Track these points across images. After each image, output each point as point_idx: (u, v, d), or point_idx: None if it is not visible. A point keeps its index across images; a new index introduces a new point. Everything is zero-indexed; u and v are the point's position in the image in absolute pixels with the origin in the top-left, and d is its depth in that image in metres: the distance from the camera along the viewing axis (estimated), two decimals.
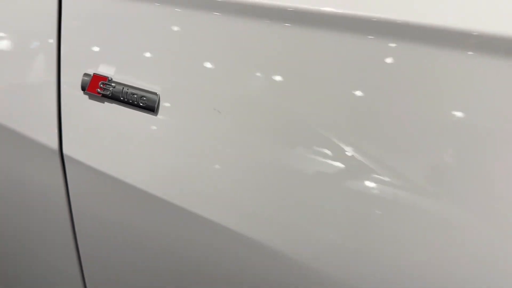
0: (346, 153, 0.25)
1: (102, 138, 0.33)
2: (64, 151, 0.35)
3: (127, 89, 0.31)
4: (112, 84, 0.31)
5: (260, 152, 0.27)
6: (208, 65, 0.28)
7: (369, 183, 0.25)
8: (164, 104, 0.30)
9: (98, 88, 0.32)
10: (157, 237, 0.34)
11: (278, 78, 0.26)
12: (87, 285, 0.44)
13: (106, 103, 0.32)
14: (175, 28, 0.29)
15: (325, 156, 0.26)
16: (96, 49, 0.32)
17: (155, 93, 0.30)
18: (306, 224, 0.27)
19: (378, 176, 0.25)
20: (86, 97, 0.33)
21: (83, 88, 0.32)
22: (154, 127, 0.30)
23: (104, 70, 0.32)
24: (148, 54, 0.30)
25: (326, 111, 0.25)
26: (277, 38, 0.26)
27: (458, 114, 0.23)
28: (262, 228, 0.28)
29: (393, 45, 0.24)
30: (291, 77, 0.26)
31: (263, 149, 0.27)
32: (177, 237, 0.32)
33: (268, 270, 0.29)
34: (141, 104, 0.30)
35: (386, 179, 0.25)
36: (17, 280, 0.53)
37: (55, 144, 0.34)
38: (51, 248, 0.43)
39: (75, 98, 0.33)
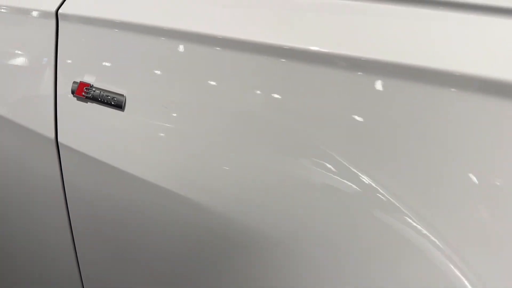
0: (253, 110, 0.36)
1: (87, 129, 0.44)
2: (59, 139, 0.46)
3: (103, 92, 0.42)
4: (93, 89, 0.43)
5: (185, 120, 0.39)
6: (158, 73, 0.40)
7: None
8: (129, 103, 0.42)
9: (83, 92, 0.43)
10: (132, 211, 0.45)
11: (214, 82, 0.38)
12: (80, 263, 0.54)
13: (88, 103, 0.44)
14: (136, 51, 0.41)
15: (229, 114, 0.37)
16: (82, 64, 0.44)
17: (122, 95, 0.41)
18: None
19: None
20: (75, 99, 0.44)
21: (72, 92, 0.44)
22: (121, 120, 0.42)
23: (88, 79, 0.44)
24: (117, 68, 0.42)
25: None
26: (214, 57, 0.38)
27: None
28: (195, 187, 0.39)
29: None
30: (228, 81, 0.38)
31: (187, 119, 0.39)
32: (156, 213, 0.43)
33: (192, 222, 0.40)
34: (112, 103, 0.42)
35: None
36: (13, 261, 0.64)
37: (52, 134, 0.46)
38: (46, 224, 0.54)
39: (67, 100, 0.45)
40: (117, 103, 0.42)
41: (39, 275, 0.62)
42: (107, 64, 0.42)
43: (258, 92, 0.35)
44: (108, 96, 0.42)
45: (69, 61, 0.45)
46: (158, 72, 0.40)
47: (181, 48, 0.38)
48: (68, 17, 0.45)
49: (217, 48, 0.37)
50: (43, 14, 0.47)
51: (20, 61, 0.49)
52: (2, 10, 0.51)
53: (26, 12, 0.49)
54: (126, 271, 0.49)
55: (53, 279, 0.60)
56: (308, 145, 0.34)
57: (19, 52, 0.49)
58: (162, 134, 0.40)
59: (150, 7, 0.41)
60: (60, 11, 0.46)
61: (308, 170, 0.34)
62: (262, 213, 0.36)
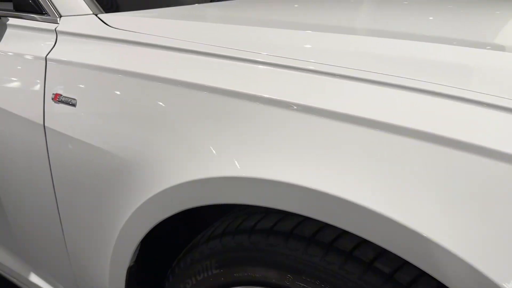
0: None
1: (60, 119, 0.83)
2: (46, 124, 0.85)
3: (66, 98, 0.81)
4: (62, 97, 0.81)
5: None
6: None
7: None
8: (80, 104, 0.80)
9: (56, 98, 0.82)
10: None
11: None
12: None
13: (60, 104, 0.82)
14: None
15: None
16: (58, 84, 0.83)
17: (74, 99, 0.80)
18: None
19: None
20: (53, 102, 0.83)
21: (52, 99, 0.83)
22: (76, 114, 0.80)
23: (60, 91, 0.82)
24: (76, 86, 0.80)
25: None
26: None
27: None
28: None
29: None
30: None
31: None
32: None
33: None
34: (71, 103, 0.80)
35: None
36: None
37: (41, 120, 0.85)
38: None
39: (50, 102, 0.83)
40: (72, 103, 0.80)
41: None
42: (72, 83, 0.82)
43: None
44: (68, 99, 0.80)
45: (52, 81, 0.84)
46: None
47: None
48: (54, 60, 0.84)
49: None
50: (36, 57, 0.86)
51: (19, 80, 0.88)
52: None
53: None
54: None
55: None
56: None
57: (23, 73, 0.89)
58: None
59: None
60: (48, 56, 0.85)
61: None
62: None
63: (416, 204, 0.48)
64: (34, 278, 1.10)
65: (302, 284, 0.60)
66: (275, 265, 0.62)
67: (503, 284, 0.43)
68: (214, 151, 0.62)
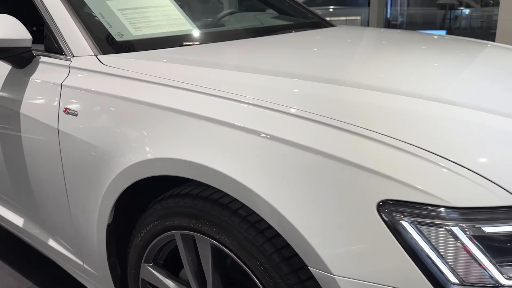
0: None
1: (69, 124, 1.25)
2: (59, 127, 1.27)
3: (72, 111, 1.23)
4: (70, 110, 1.24)
5: None
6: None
7: None
8: (80, 115, 1.22)
9: (66, 110, 1.25)
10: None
11: None
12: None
13: (68, 115, 1.25)
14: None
15: None
16: (67, 102, 1.26)
17: (76, 111, 1.22)
18: None
19: None
20: (64, 113, 1.26)
21: (63, 111, 1.26)
22: (77, 121, 1.22)
23: (68, 106, 1.25)
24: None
25: None
26: None
27: None
28: None
29: None
30: None
31: None
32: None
33: None
34: (74, 114, 1.22)
35: None
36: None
37: (56, 125, 1.27)
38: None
39: (62, 113, 1.26)
40: (76, 114, 1.23)
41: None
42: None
43: None
44: (73, 111, 1.23)
45: (66, 100, 1.27)
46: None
47: None
48: (66, 86, 1.28)
49: None
50: (55, 84, 1.30)
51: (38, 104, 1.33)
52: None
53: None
54: None
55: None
56: None
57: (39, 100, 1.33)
58: None
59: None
60: (63, 83, 1.29)
61: None
62: None
63: (251, 173, 0.87)
64: (51, 242, 1.53)
65: (201, 226, 0.99)
66: (186, 215, 1.01)
67: (287, 217, 0.80)
68: (149, 144, 1.03)
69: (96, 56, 1.31)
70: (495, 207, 0.73)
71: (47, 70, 1.37)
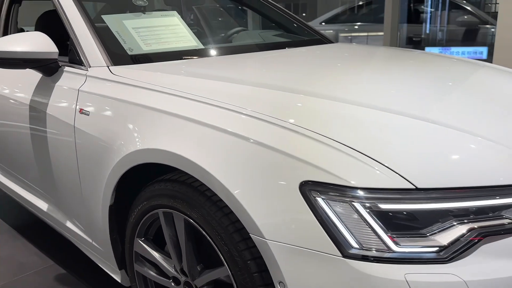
0: None
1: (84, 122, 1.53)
2: (75, 125, 1.55)
3: (85, 111, 1.51)
4: (84, 110, 1.52)
5: None
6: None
7: None
8: (91, 115, 1.49)
9: (81, 111, 1.53)
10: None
11: None
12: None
13: (82, 114, 1.52)
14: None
15: None
16: (82, 103, 1.54)
17: (88, 111, 1.49)
18: None
19: None
20: (79, 113, 1.53)
21: (78, 111, 1.53)
22: (89, 120, 1.49)
23: (83, 107, 1.53)
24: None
25: None
26: None
27: None
28: None
29: None
30: None
31: None
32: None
33: None
34: (87, 114, 1.50)
35: None
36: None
37: (72, 123, 1.55)
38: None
39: (78, 113, 1.54)
40: (86, 114, 1.50)
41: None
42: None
43: None
44: (86, 111, 1.51)
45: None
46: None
47: None
48: (82, 90, 1.56)
49: None
50: (74, 89, 1.58)
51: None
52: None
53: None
54: None
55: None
56: None
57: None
58: None
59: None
60: (80, 88, 1.57)
61: None
62: None
63: (207, 157, 1.10)
64: (68, 223, 1.81)
65: (177, 204, 1.23)
66: (167, 196, 1.25)
67: (233, 193, 1.03)
68: (140, 137, 1.29)
69: (108, 67, 1.59)
70: (390, 189, 0.93)
71: (69, 78, 1.66)
